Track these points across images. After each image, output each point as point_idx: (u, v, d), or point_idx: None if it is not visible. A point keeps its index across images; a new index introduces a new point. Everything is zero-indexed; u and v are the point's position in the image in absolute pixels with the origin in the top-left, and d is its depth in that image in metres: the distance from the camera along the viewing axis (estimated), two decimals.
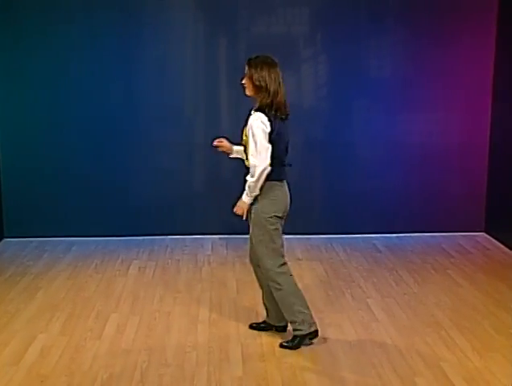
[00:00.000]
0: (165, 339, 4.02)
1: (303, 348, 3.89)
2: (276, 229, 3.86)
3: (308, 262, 5.46)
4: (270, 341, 3.98)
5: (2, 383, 3.48)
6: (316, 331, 3.90)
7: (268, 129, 3.70)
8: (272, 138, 3.72)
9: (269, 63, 3.80)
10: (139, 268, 5.33)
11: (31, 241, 5.96)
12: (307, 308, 3.92)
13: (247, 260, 5.50)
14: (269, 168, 3.70)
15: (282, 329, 4.07)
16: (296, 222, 6.11)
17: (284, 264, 3.92)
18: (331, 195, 6.19)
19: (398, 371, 3.62)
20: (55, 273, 5.20)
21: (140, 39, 5.86)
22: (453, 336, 4.05)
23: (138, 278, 5.09)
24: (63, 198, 6.02)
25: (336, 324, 4.24)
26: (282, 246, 3.95)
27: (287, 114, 3.81)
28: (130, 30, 5.83)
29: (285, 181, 3.88)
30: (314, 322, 3.91)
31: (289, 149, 3.89)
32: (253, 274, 4.12)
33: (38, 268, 5.29)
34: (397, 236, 6.16)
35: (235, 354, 3.82)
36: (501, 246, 5.90)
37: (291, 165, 3.92)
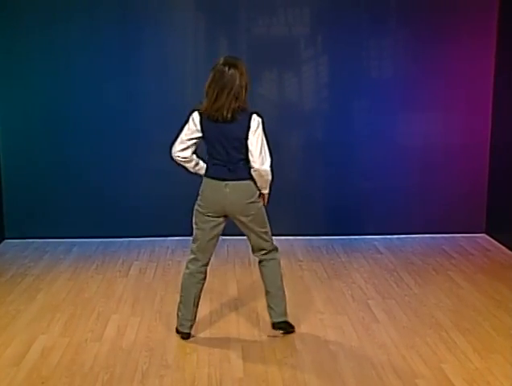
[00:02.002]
0: (166, 340, 4.02)
1: (304, 350, 3.89)
2: (195, 223, 3.97)
3: (309, 263, 5.47)
4: (270, 342, 3.98)
5: (2, 385, 3.48)
6: (183, 334, 4.02)
7: (196, 124, 3.83)
8: (204, 136, 3.84)
9: (215, 66, 3.79)
10: (140, 269, 5.33)
11: (32, 242, 5.96)
12: (186, 309, 4.00)
13: (247, 261, 5.52)
14: (175, 155, 3.91)
15: (281, 325, 4.07)
16: (297, 223, 6.14)
17: (191, 260, 4.00)
18: (331, 196, 6.19)
19: (398, 372, 3.62)
20: (56, 274, 5.20)
21: (140, 39, 5.86)
22: (454, 337, 4.05)
23: (138, 279, 5.09)
24: (63, 199, 6.02)
25: (336, 325, 4.24)
26: (201, 250, 3.97)
27: (219, 119, 3.76)
28: (131, 31, 5.83)
29: (217, 180, 3.85)
30: (183, 325, 4.02)
31: (227, 152, 3.81)
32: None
33: (38, 270, 5.29)
34: (397, 238, 6.16)
35: (236, 355, 3.82)
36: (502, 247, 5.90)
37: (230, 169, 3.82)
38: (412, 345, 3.95)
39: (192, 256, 4.01)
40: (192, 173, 4.05)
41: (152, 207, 6.08)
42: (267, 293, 4.05)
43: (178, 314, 4.04)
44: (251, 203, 3.88)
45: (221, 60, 3.78)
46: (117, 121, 5.96)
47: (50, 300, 4.66)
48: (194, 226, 3.99)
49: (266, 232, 3.98)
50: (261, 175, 3.82)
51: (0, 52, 5.79)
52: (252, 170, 3.81)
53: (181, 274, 5.15)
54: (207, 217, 3.92)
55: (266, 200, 3.99)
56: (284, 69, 6.01)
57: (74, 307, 4.53)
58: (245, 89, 3.77)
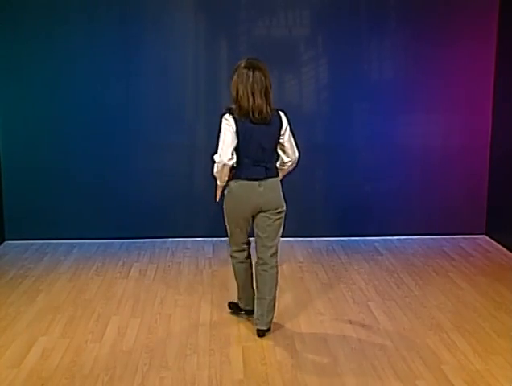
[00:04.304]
0: (166, 342, 4.02)
1: (304, 351, 3.89)
2: (230, 227, 4.10)
3: (309, 265, 5.47)
4: (271, 344, 3.98)
5: None
6: (248, 311, 4.29)
7: (233, 127, 3.85)
8: (239, 138, 3.89)
9: (237, 68, 3.88)
10: (140, 270, 5.33)
11: (32, 244, 5.96)
12: (246, 291, 4.25)
13: None
14: (228, 162, 3.87)
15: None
16: (297, 225, 6.14)
17: (236, 251, 4.18)
18: (332, 197, 6.19)
19: (399, 373, 3.62)
20: (56, 275, 5.20)
21: (141, 40, 5.86)
22: (454, 339, 4.05)
23: (139, 281, 5.09)
24: (64, 200, 6.02)
25: (336, 327, 4.23)
26: (243, 242, 4.16)
27: (258, 120, 3.85)
28: (131, 32, 5.83)
29: (251, 180, 3.94)
30: (249, 304, 4.27)
31: (262, 152, 3.92)
32: None
33: (39, 271, 5.29)
34: (398, 239, 6.16)
35: (236, 357, 3.82)
36: (502, 248, 5.90)
37: (266, 168, 3.96)
38: (412, 346, 3.95)
39: (236, 248, 4.18)
40: (219, 182, 4.04)
41: (152, 209, 6.09)
42: (261, 299, 4.09)
43: (240, 297, 4.31)
44: (282, 198, 4.08)
45: (243, 63, 3.87)
46: (118, 122, 5.96)
47: (50, 301, 4.66)
48: (229, 229, 4.12)
49: (281, 231, 4.15)
50: (293, 163, 4.10)
51: (0, 54, 5.80)
52: (287, 160, 4.05)
53: (181, 275, 5.20)
54: (240, 220, 4.03)
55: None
56: (284, 70, 6.00)
57: (74, 308, 4.53)
58: (269, 90, 3.88)
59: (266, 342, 4.01)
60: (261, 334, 4.07)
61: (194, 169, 6.14)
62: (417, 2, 5.95)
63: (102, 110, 5.93)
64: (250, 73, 3.81)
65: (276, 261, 4.12)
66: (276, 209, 4.03)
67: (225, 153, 3.86)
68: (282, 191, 4.11)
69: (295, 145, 4.08)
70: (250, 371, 3.66)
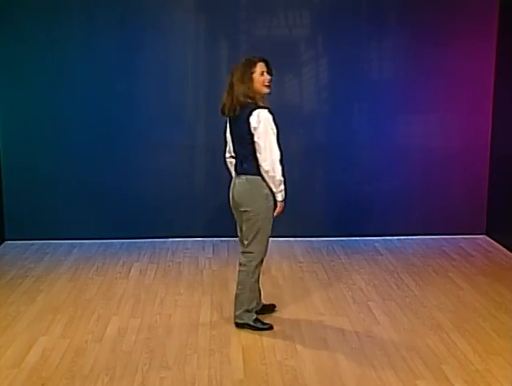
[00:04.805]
0: (166, 342, 4.02)
1: (304, 351, 3.89)
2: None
3: (309, 265, 5.47)
4: (271, 344, 3.98)
5: None
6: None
7: (227, 121, 4.11)
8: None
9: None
10: (140, 270, 5.33)
11: (32, 244, 5.96)
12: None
13: None
14: (225, 155, 4.19)
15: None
16: (297, 224, 6.15)
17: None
18: (332, 197, 6.19)
19: (399, 373, 3.62)
20: (57, 275, 5.20)
21: (141, 40, 5.87)
22: (454, 339, 4.05)
23: (139, 281, 5.09)
24: (64, 200, 6.02)
25: (337, 327, 4.23)
26: (241, 240, 4.20)
27: (229, 115, 3.99)
28: (131, 32, 5.83)
29: (235, 173, 4.12)
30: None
31: (237, 147, 4.04)
32: None
33: (39, 271, 5.29)
34: (398, 239, 6.16)
35: (236, 357, 3.82)
36: (502, 248, 5.90)
37: (241, 163, 4.02)
38: (412, 346, 3.95)
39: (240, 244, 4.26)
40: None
41: (152, 209, 6.09)
42: (236, 294, 4.21)
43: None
44: (255, 197, 3.96)
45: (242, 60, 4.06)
46: (118, 122, 5.96)
47: (50, 301, 4.66)
48: None
49: (253, 234, 4.01)
50: (265, 172, 3.91)
51: (1, 55, 5.80)
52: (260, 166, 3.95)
53: (181, 275, 5.21)
54: (233, 212, 4.16)
55: (278, 209, 4.02)
56: (284, 71, 6.00)
57: (74, 308, 4.53)
58: (233, 85, 3.93)
59: (266, 342, 4.01)
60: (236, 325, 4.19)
61: (194, 169, 6.14)
62: (417, 2, 5.96)
63: (102, 110, 5.93)
64: (235, 69, 4.00)
65: (248, 261, 4.07)
66: (241, 207, 4.02)
67: (225, 148, 4.18)
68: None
69: (268, 153, 3.85)
70: (250, 371, 3.66)
